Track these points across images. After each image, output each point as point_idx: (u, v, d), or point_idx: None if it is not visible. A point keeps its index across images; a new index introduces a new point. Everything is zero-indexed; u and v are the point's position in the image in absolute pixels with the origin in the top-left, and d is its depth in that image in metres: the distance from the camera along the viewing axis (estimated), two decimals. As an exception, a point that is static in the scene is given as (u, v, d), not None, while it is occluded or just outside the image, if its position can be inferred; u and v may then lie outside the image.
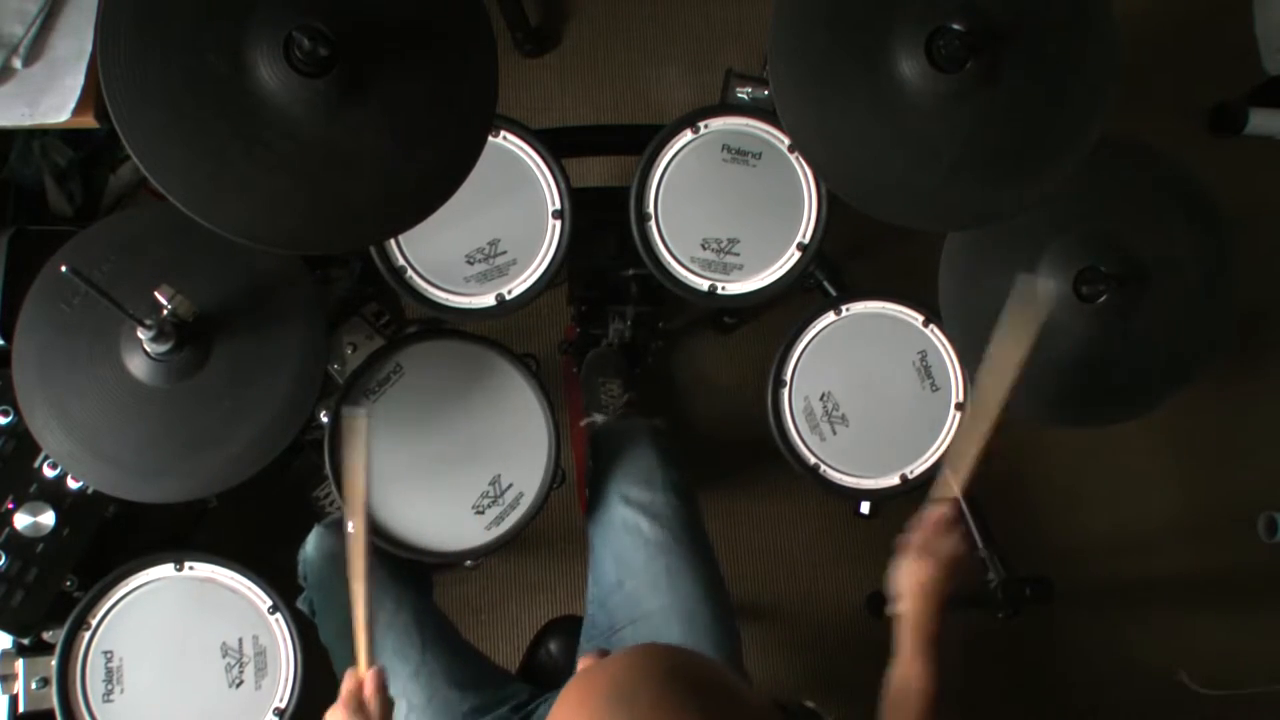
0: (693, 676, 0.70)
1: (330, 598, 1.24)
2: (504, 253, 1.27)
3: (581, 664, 0.78)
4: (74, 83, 1.20)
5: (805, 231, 1.33)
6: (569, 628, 1.39)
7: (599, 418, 1.62)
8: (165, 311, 1.01)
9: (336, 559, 1.26)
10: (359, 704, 0.96)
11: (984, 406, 1.08)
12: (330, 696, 1.22)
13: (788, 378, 1.36)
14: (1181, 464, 2.26)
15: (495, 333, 1.31)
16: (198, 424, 1.08)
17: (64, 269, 0.94)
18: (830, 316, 1.37)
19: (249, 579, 1.18)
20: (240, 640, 1.18)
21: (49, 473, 1.19)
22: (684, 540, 1.28)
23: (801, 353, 1.36)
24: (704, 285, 1.33)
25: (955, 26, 0.97)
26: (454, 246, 1.26)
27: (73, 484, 1.19)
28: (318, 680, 1.19)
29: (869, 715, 1.05)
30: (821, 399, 1.36)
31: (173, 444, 1.08)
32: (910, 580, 1.07)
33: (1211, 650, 2.22)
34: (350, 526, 0.99)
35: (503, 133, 1.27)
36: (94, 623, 1.15)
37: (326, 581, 1.25)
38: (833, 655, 2.10)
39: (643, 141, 1.31)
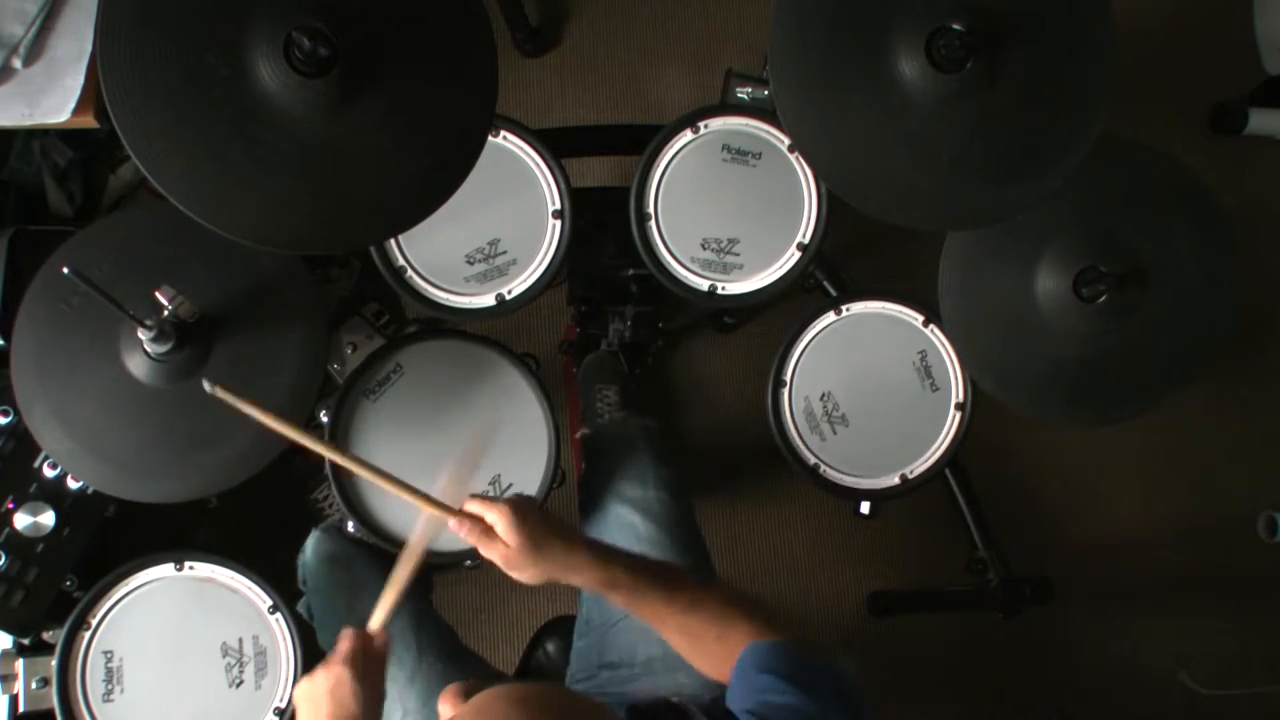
0: (538, 702, 0.71)
1: (329, 602, 1.24)
2: (504, 253, 1.28)
3: (442, 704, 0.78)
4: (74, 83, 1.20)
5: (805, 231, 1.33)
6: (566, 629, 1.39)
7: (589, 431, 1.62)
8: (166, 312, 1.01)
9: (335, 562, 1.26)
10: (363, 664, 0.89)
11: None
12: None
13: (788, 378, 1.36)
14: (1181, 464, 2.26)
15: (495, 333, 1.31)
16: (198, 424, 1.08)
17: (65, 270, 0.94)
18: (830, 316, 1.37)
19: (249, 579, 1.18)
20: (240, 640, 1.18)
21: (49, 473, 1.19)
22: (676, 535, 1.28)
23: (801, 353, 1.36)
24: (704, 285, 1.33)
25: (955, 26, 0.97)
26: (454, 246, 1.26)
27: (73, 484, 1.19)
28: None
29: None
30: (821, 399, 1.36)
31: (173, 444, 1.08)
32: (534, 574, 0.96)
33: (1211, 650, 2.23)
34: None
35: (503, 133, 1.27)
36: (94, 623, 1.15)
37: (325, 585, 1.25)
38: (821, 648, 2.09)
39: (643, 141, 1.31)
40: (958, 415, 1.37)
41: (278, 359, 1.11)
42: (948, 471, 1.46)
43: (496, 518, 0.94)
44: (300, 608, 1.25)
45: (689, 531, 1.32)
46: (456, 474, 0.99)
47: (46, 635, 1.20)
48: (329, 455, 0.97)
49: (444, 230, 1.24)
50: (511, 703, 0.69)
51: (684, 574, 1.02)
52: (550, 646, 1.41)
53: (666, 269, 1.32)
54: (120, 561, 1.17)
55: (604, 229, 1.52)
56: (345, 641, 0.92)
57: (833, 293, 1.47)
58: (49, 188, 1.62)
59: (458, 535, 0.95)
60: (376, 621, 0.95)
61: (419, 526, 0.98)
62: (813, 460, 1.36)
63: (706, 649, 0.96)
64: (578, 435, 1.66)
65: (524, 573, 0.95)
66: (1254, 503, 2.28)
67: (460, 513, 0.95)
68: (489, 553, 0.95)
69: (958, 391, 1.37)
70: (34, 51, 1.21)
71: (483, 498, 0.96)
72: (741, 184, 1.33)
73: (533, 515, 0.94)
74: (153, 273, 1.05)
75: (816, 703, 0.83)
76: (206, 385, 0.89)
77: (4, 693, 1.18)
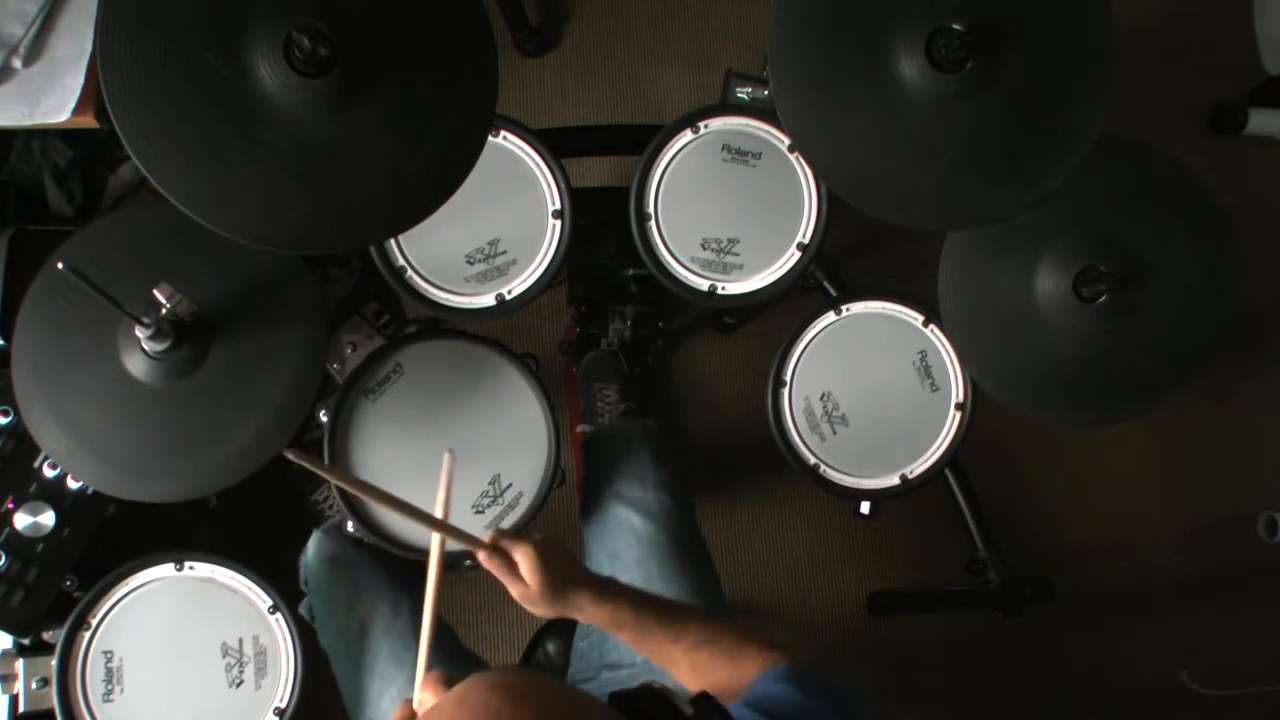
0: (519, 688, 0.71)
1: (329, 603, 1.24)
2: (504, 253, 1.28)
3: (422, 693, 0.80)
4: (74, 83, 1.20)
5: (805, 231, 1.33)
6: (566, 629, 1.39)
7: (589, 428, 1.62)
8: (164, 310, 1.01)
9: (336, 563, 1.26)
10: None
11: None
12: (330, 697, 1.22)
13: (788, 378, 1.36)
14: (1182, 464, 2.26)
15: (495, 333, 1.31)
16: (197, 423, 1.08)
17: (61, 266, 0.94)
18: (830, 316, 1.37)
19: (249, 579, 1.18)
20: (240, 640, 1.18)
21: (49, 473, 1.19)
22: (677, 537, 1.28)
23: (801, 353, 1.36)
24: (704, 285, 1.33)
25: (955, 26, 0.97)
26: (454, 246, 1.26)
27: (73, 484, 1.19)
28: (318, 680, 1.19)
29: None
30: (821, 399, 1.36)
31: (173, 444, 1.08)
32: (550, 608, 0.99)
33: (1211, 650, 2.23)
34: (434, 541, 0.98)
35: (503, 133, 1.27)
36: (94, 623, 1.15)
37: (326, 586, 1.25)
38: (833, 655, 2.10)
39: (643, 141, 1.31)
40: (958, 415, 1.37)
41: (277, 359, 1.11)
42: (948, 471, 1.46)
43: (521, 557, 0.97)
44: (302, 609, 1.25)
45: (689, 532, 1.32)
46: (445, 499, 1.01)
47: (46, 635, 1.20)
48: (383, 504, 0.97)
49: (444, 230, 1.24)
50: (493, 689, 0.68)
51: (691, 610, 1.03)
52: (550, 646, 1.41)
53: (666, 269, 1.32)
54: (120, 561, 1.17)
55: (604, 229, 1.52)
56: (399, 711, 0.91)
57: (833, 293, 1.47)
58: (49, 188, 1.62)
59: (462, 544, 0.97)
60: (418, 682, 0.93)
61: (431, 577, 0.98)
62: (813, 460, 1.36)
63: (719, 681, 0.95)
64: (578, 429, 1.66)
65: (538, 609, 0.99)
66: (1254, 503, 2.28)
67: (488, 547, 0.98)
68: (509, 586, 0.98)
69: (958, 391, 1.37)
70: (34, 51, 1.21)
71: (513, 535, 0.99)
72: (741, 184, 1.33)
73: (555, 556, 0.98)
74: (152, 272, 1.05)
75: (817, 703, 0.83)
76: (289, 455, 0.89)
77: (4, 693, 1.18)
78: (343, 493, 1.21)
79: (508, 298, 1.28)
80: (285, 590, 1.20)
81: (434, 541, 0.99)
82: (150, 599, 1.17)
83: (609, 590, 1.00)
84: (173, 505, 1.10)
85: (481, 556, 0.98)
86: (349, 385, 1.22)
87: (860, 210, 1.07)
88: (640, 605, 0.99)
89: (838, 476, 1.36)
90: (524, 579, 0.97)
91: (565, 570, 0.98)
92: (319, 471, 0.96)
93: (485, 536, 1.00)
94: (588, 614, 0.99)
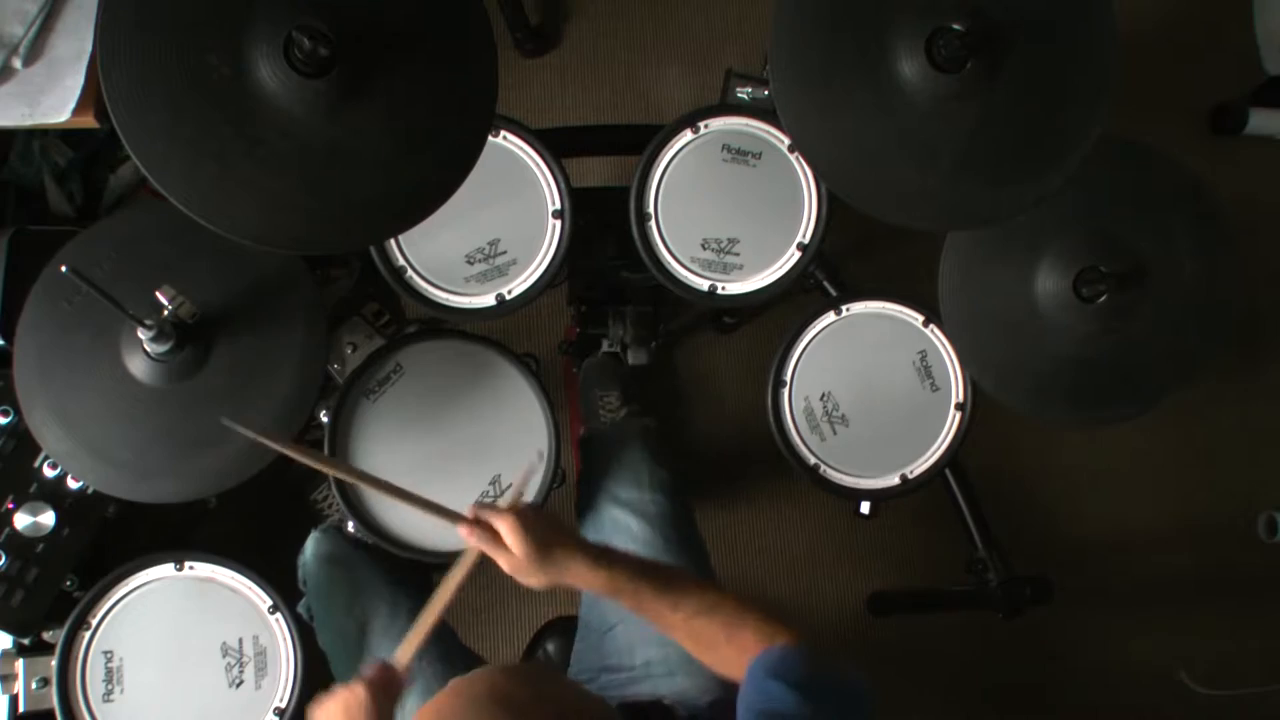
0: (521, 673, 0.75)
1: (328, 603, 1.24)
2: (504, 253, 1.28)
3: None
4: (74, 83, 1.20)
5: (805, 231, 1.33)
6: (566, 628, 1.39)
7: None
8: (166, 312, 1.02)
9: (334, 563, 1.26)
10: (383, 691, 0.92)
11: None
12: (330, 697, 1.22)
13: (788, 378, 1.36)
14: (1182, 464, 2.26)
15: (495, 333, 1.31)
16: (199, 424, 1.08)
17: (63, 268, 0.95)
18: (830, 316, 1.37)
19: (249, 579, 1.18)
20: (240, 640, 1.18)
21: (49, 473, 1.19)
22: (673, 538, 1.28)
23: (801, 353, 1.36)
24: (704, 285, 1.33)
25: (955, 26, 0.97)
26: (454, 246, 1.26)
27: (73, 484, 1.19)
28: (318, 680, 1.19)
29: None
30: (821, 399, 1.36)
31: (173, 444, 1.08)
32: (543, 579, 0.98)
33: (1211, 650, 2.23)
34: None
35: (503, 133, 1.27)
36: (94, 623, 1.15)
37: (324, 586, 1.25)
38: (833, 656, 2.09)
39: (643, 141, 1.31)
40: (958, 415, 1.37)
41: (278, 359, 1.11)
42: (948, 471, 1.46)
43: (503, 526, 0.96)
44: (300, 609, 1.25)
45: (684, 533, 1.31)
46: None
47: (46, 635, 1.20)
48: (342, 476, 0.98)
49: (444, 230, 1.24)
50: (496, 671, 0.73)
51: (690, 578, 1.02)
52: (550, 646, 1.41)
53: (666, 269, 1.32)
54: (120, 561, 1.17)
55: (604, 229, 1.52)
56: (370, 669, 0.94)
57: (833, 293, 1.47)
58: (49, 188, 1.62)
59: (457, 534, 0.97)
60: (403, 655, 0.97)
61: (456, 569, 0.99)
62: (813, 460, 1.36)
63: (717, 651, 0.96)
64: (581, 435, 1.66)
65: (530, 579, 0.97)
66: (1254, 503, 2.28)
67: (469, 520, 0.97)
68: (496, 559, 0.97)
69: (958, 391, 1.37)
70: (34, 51, 1.21)
71: (490, 506, 0.98)
72: (741, 184, 1.33)
73: (538, 523, 0.96)
74: (153, 273, 1.05)
75: (820, 713, 0.83)
76: (224, 421, 0.90)
77: (4, 693, 1.18)
78: (343, 493, 1.21)
79: (508, 298, 1.28)
80: (285, 590, 1.20)
81: (469, 552, 0.99)
82: (150, 599, 1.17)
83: (604, 556, 0.99)
84: (173, 505, 1.10)
85: (463, 531, 0.97)
86: (349, 385, 1.22)
87: (860, 210, 1.07)
88: (637, 571, 0.98)
89: (838, 476, 1.36)
90: (509, 548, 0.96)
91: (550, 534, 0.96)
92: (302, 459, 0.95)
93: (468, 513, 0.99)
94: (582, 578, 0.97)
